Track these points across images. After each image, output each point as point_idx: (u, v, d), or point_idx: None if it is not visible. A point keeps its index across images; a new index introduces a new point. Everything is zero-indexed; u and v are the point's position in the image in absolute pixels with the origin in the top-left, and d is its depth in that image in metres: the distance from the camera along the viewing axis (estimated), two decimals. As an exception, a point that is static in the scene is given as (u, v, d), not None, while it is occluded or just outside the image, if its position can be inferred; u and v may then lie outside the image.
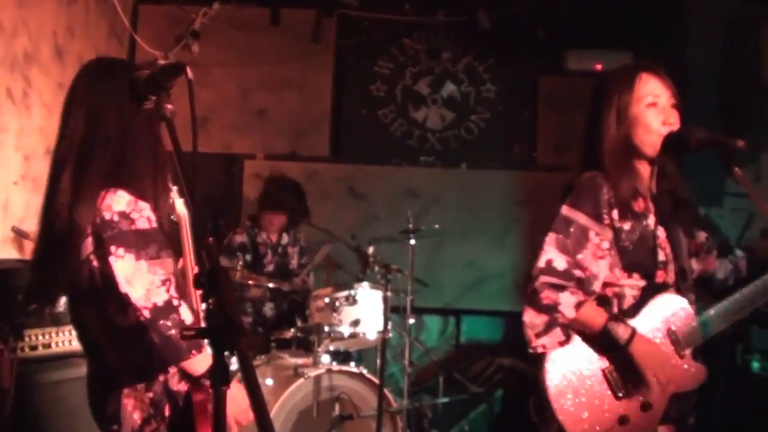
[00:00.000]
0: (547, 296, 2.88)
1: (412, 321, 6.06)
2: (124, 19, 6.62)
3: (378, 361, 5.55)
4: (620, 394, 2.90)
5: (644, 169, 3.05)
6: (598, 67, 7.14)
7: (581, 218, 2.93)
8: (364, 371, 5.44)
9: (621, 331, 2.87)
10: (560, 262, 2.90)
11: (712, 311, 3.02)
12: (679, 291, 3.02)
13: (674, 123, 2.95)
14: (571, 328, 2.93)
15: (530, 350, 2.93)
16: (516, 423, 6.28)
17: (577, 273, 2.90)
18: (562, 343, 2.90)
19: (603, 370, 2.91)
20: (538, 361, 2.96)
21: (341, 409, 5.31)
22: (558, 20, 7.33)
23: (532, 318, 2.91)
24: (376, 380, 5.35)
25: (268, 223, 6.33)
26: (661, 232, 3.03)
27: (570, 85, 7.28)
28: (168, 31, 7.13)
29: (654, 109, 2.96)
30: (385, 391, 5.33)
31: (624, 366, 2.91)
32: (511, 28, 7.38)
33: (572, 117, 6.93)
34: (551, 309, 2.88)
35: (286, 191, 6.40)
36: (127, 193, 2.69)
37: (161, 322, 2.61)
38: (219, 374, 1.84)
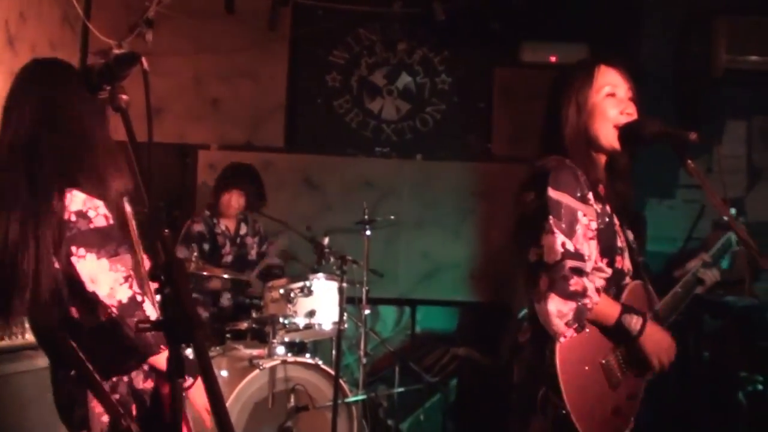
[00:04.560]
0: (575, 281, 2.76)
1: (367, 312, 6.05)
2: (78, 7, 6.52)
3: (333, 352, 5.55)
4: (615, 384, 2.90)
5: (601, 160, 3.07)
6: (553, 59, 7.20)
7: (568, 199, 2.85)
8: (320, 362, 5.44)
9: (634, 323, 2.85)
10: (570, 245, 2.81)
11: (659, 308, 3.08)
12: (640, 277, 3.06)
13: (632, 114, 2.97)
14: (587, 315, 2.84)
15: (559, 340, 2.78)
16: (470, 412, 6.32)
17: (583, 255, 2.85)
18: (577, 330, 2.80)
19: (601, 363, 2.89)
20: (533, 352, 2.91)
21: (297, 401, 5.30)
22: (513, 12, 7.35)
23: (559, 306, 2.76)
24: (331, 371, 5.35)
25: (227, 206, 6.27)
26: (615, 220, 3.06)
27: (525, 76, 7.32)
28: (122, 19, 7.03)
29: (612, 99, 2.98)
30: (341, 381, 5.33)
31: (624, 355, 2.93)
32: (466, 20, 7.39)
33: (527, 108, 7.00)
34: (580, 295, 2.77)
35: (243, 171, 6.39)
36: (81, 191, 2.66)
37: (127, 319, 2.60)
38: (175, 367, 1.83)
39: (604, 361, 2.89)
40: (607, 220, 2.97)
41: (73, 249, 2.62)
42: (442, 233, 7.46)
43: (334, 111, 7.63)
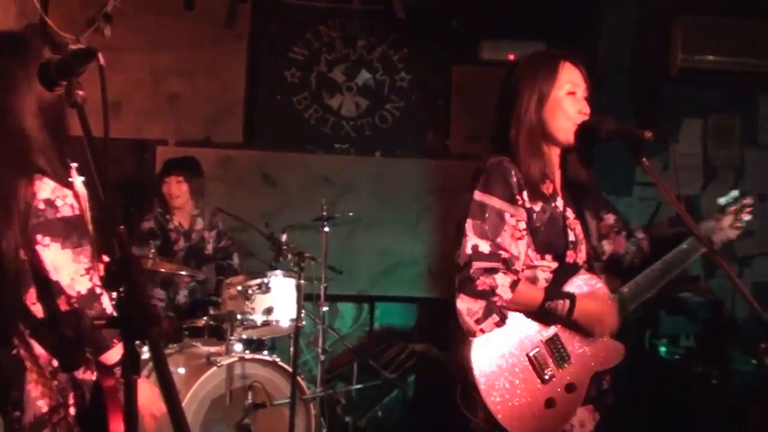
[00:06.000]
0: (482, 282, 2.85)
1: (325, 308, 6.06)
2: (35, 1, 6.46)
3: (291, 349, 5.54)
4: (546, 377, 2.92)
5: (554, 155, 3.10)
6: (511, 57, 7.21)
7: (495, 202, 2.92)
8: (277, 359, 5.44)
9: (560, 306, 2.91)
10: (485, 246, 2.88)
11: (625, 290, 3.10)
12: (591, 271, 3.09)
13: (587, 114, 3.01)
14: (508, 309, 2.91)
15: (472, 337, 2.88)
16: (428, 407, 6.33)
17: (503, 254, 2.90)
18: (498, 324, 2.88)
19: (528, 355, 2.93)
20: (459, 348, 2.95)
21: (254, 398, 5.29)
22: (472, 10, 7.38)
23: (469, 305, 2.87)
24: (289, 368, 5.34)
25: (170, 195, 6.23)
26: (570, 213, 3.09)
27: (483, 74, 7.34)
28: (80, 13, 6.96)
29: (572, 98, 3.02)
30: (299, 378, 5.33)
31: (556, 346, 2.96)
32: (425, 18, 7.41)
33: (485, 106, 6.99)
34: (488, 294, 2.85)
35: (178, 159, 6.42)
36: (51, 179, 2.65)
37: (86, 311, 2.59)
38: (130, 363, 1.82)
39: (531, 354, 2.94)
40: (547, 216, 3.01)
41: (39, 237, 2.60)
42: (400, 230, 7.47)
43: (293, 107, 7.60)
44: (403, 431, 6.42)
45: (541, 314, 2.95)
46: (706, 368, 5.65)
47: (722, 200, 3.22)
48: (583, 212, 3.14)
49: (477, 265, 2.86)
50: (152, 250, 5.70)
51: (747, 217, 3.30)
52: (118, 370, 2.69)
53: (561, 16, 7.26)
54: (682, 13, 7.03)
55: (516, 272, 2.93)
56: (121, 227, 1.93)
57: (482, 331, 2.86)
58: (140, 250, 5.76)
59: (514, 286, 2.88)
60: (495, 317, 2.87)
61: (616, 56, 7.29)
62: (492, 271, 2.86)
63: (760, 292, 7.10)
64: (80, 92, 2.07)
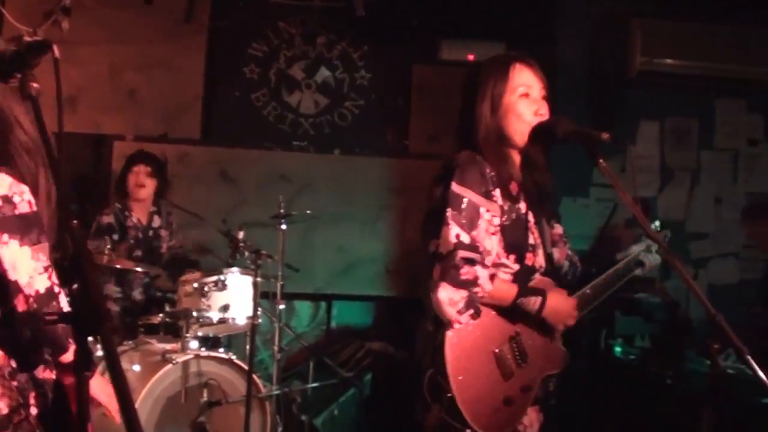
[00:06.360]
0: (467, 271, 2.86)
1: (282, 306, 6.05)
2: (-8, -7, 6.39)
3: (247, 347, 5.51)
4: (507, 374, 2.96)
5: (515, 158, 3.11)
6: (471, 57, 7.26)
7: (471, 195, 2.94)
8: (233, 357, 5.41)
9: (532, 303, 2.95)
10: (465, 237, 2.90)
11: (588, 290, 3.17)
12: (551, 275, 3.11)
13: (544, 114, 3.03)
14: (482, 302, 2.94)
15: (452, 327, 2.88)
16: (385, 406, 6.34)
17: (481, 246, 2.92)
18: (472, 317, 2.90)
19: (494, 351, 2.96)
20: (426, 337, 2.98)
21: (210, 395, 5.26)
22: (432, 10, 7.39)
23: (451, 294, 2.86)
24: (245, 366, 5.32)
25: (138, 182, 6.18)
26: (530, 217, 3.11)
27: (443, 74, 7.36)
28: (37, 6, 6.86)
29: (527, 100, 3.04)
30: (254, 376, 5.31)
31: (519, 347, 3.00)
32: (386, 16, 7.41)
33: (445, 106, 7.01)
34: (471, 284, 2.86)
35: (146, 152, 6.38)
36: (7, 174, 2.60)
37: (44, 309, 2.55)
38: (82, 360, 1.80)
39: (497, 351, 2.97)
40: (514, 216, 3.04)
41: None
42: (358, 228, 7.47)
43: (251, 104, 7.56)
44: (359, 430, 6.42)
45: (510, 311, 2.98)
46: (661, 368, 5.70)
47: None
48: (540, 218, 3.16)
49: (461, 254, 2.87)
50: (108, 246, 5.65)
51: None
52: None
53: (521, 18, 7.31)
54: (641, 16, 7.10)
55: (488, 267, 2.95)
56: (74, 222, 1.90)
57: (459, 322, 2.88)
58: (96, 246, 5.71)
59: (492, 279, 2.91)
60: (472, 310, 2.89)
61: (575, 58, 7.35)
62: (472, 262, 2.88)
63: (715, 294, 7.20)
64: (35, 85, 2.04)
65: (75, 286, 1.81)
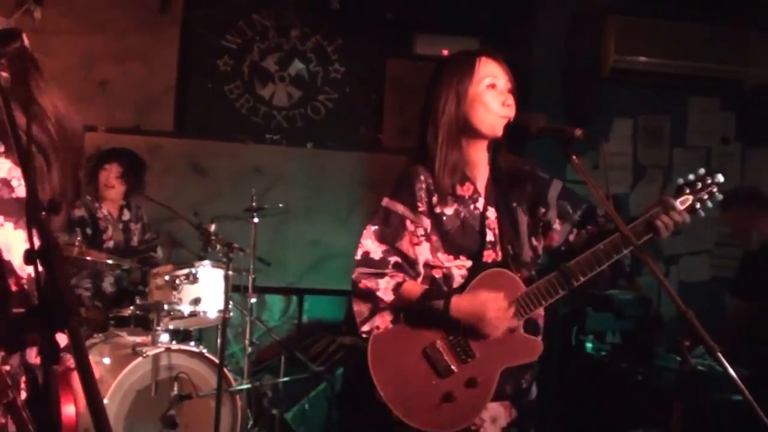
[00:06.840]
0: (364, 284, 3.00)
1: (253, 300, 6.03)
2: (-40, -19, 6.31)
3: (218, 341, 5.49)
4: (442, 371, 2.98)
5: (480, 152, 3.12)
6: (445, 52, 7.23)
7: (399, 208, 3.05)
8: (204, 350, 5.39)
9: (436, 306, 2.96)
10: (377, 252, 3.01)
11: (572, 263, 3.00)
12: (509, 268, 3.08)
13: (511, 105, 3.03)
14: (399, 309, 3.02)
15: (362, 336, 3.05)
16: (356, 401, 6.33)
17: (394, 259, 3.00)
18: (392, 321, 3.01)
19: (423, 349, 3.00)
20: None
21: (180, 389, 5.25)
22: (407, 4, 7.39)
23: (358, 307, 3.03)
24: (215, 359, 5.31)
25: (107, 182, 6.14)
26: (491, 213, 3.11)
27: (417, 69, 7.33)
28: (9, -5, 6.83)
29: (493, 91, 3.04)
30: (225, 370, 5.29)
31: (457, 341, 3.00)
32: (360, 10, 7.40)
33: (418, 101, 7.02)
34: (370, 295, 2.99)
35: (119, 149, 6.35)
36: (6, 158, 2.59)
37: (34, 292, 2.54)
38: (49, 353, 1.78)
39: (426, 349, 3.00)
40: (460, 220, 3.07)
41: None
42: (330, 222, 7.46)
43: (224, 96, 7.52)
44: (330, 424, 6.41)
45: (426, 314, 3.01)
46: (632, 365, 5.72)
47: (681, 180, 3.14)
48: (510, 208, 3.13)
49: (360, 270, 3.02)
50: (78, 238, 5.61)
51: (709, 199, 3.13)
52: (65, 356, 2.65)
53: (495, 14, 7.32)
54: (615, 13, 7.12)
55: (417, 273, 3.05)
56: (43, 214, 1.88)
57: (371, 329, 3.02)
58: (68, 238, 5.66)
59: (397, 288, 2.98)
60: (387, 316, 3.01)
61: (548, 54, 7.35)
62: (378, 275, 2.99)
63: (686, 291, 7.23)
64: (4, 74, 2.02)
65: (43, 277, 1.79)
